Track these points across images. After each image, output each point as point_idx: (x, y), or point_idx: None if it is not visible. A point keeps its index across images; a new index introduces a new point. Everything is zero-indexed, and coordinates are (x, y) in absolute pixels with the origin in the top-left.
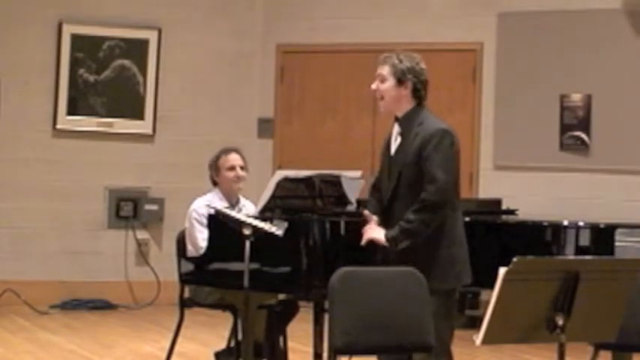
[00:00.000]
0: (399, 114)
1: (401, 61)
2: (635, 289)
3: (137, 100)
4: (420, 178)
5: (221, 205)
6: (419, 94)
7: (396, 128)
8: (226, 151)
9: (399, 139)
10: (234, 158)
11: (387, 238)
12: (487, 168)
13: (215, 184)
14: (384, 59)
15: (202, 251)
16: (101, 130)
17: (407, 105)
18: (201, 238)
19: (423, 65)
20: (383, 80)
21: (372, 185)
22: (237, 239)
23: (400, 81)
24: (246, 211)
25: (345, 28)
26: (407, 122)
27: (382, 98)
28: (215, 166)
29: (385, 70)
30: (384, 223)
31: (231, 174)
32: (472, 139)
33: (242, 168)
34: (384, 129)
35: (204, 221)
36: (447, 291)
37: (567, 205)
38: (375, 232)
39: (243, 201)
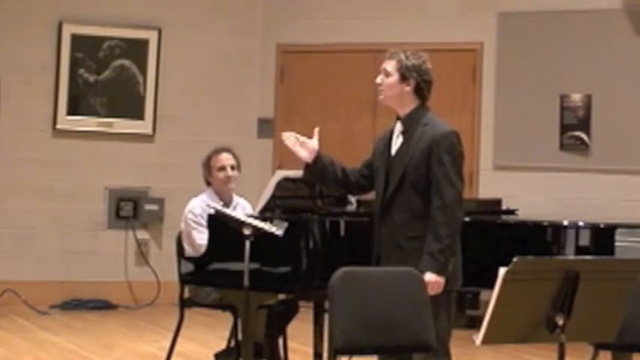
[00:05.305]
0: (402, 113)
1: (407, 58)
2: (635, 289)
3: (137, 100)
4: (425, 177)
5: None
6: (422, 93)
7: (399, 127)
8: (217, 150)
9: (400, 139)
10: (225, 158)
11: (439, 273)
12: (487, 168)
13: (208, 183)
14: (391, 54)
15: (203, 249)
16: (101, 130)
17: (410, 104)
18: (199, 237)
19: (429, 65)
20: (387, 75)
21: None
22: (237, 239)
23: (404, 77)
24: (240, 208)
25: (345, 28)
26: (410, 122)
27: (384, 91)
28: (207, 166)
29: (390, 65)
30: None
31: (221, 174)
32: (472, 139)
33: (233, 167)
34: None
35: (201, 221)
36: (449, 291)
37: (567, 205)
38: (431, 289)
39: (236, 199)
